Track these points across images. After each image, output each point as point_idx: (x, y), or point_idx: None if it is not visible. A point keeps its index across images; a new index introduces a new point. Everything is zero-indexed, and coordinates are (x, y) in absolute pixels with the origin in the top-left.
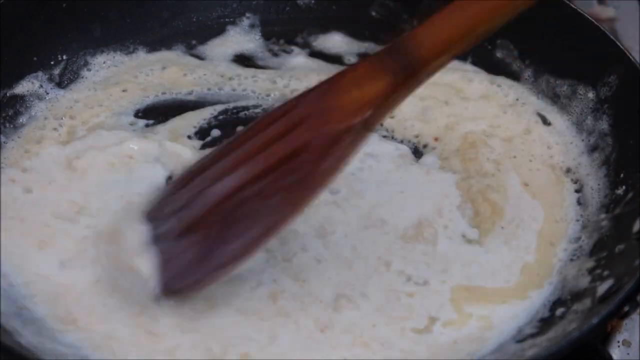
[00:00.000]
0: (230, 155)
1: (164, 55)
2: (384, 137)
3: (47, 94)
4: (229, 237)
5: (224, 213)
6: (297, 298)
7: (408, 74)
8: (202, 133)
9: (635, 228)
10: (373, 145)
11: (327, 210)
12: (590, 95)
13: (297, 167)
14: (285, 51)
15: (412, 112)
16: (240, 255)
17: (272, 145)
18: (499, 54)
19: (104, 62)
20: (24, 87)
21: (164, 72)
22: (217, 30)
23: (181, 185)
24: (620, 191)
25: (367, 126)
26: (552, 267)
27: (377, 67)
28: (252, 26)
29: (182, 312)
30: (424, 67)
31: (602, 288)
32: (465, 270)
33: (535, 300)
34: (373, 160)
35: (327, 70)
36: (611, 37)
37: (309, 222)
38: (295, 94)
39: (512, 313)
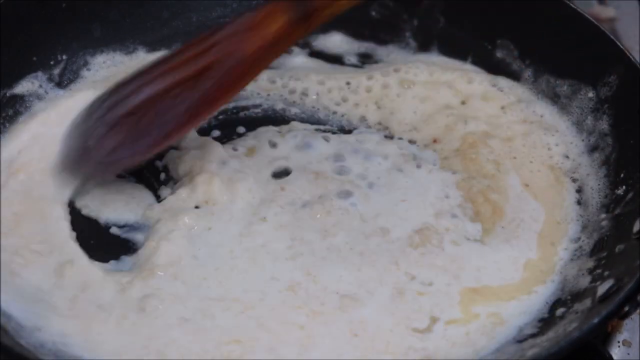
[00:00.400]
0: (151, 72)
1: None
2: (385, 137)
3: (47, 93)
4: (147, 129)
5: (143, 111)
6: (312, 293)
7: (301, 20)
8: (201, 133)
9: (635, 228)
10: (374, 146)
11: (338, 215)
12: (590, 95)
13: (205, 80)
14: (285, 51)
15: (412, 112)
16: (159, 142)
17: (186, 63)
18: (499, 54)
19: (104, 62)
20: (24, 87)
21: None
22: None
23: (109, 94)
24: (620, 191)
25: (263, 58)
26: (554, 265)
27: (277, 11)
28: None
29: None
30: (316, 17)
31: (602, 288)
32: (469, 269)
33: (540, 295)
34: (374, 160)
35: (327, 70)
36: (611, 37)
37: (315, 226)
38: (295, 94)
39: (520, 309)
